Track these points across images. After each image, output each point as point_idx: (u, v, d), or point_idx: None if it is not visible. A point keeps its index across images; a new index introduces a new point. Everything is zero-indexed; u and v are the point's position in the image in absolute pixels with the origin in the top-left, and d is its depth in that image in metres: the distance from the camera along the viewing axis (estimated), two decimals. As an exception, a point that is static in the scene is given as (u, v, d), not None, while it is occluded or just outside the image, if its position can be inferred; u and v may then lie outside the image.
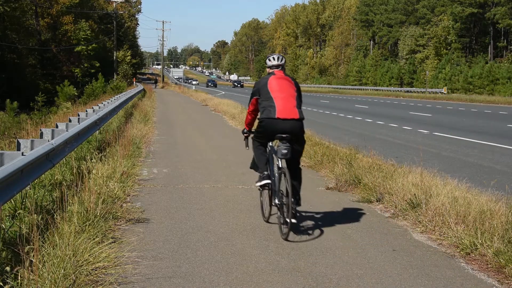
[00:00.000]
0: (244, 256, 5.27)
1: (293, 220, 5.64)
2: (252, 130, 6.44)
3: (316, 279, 4.70)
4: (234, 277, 4.71)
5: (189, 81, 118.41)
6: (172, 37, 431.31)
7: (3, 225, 5.24)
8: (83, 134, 10.15)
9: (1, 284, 4.02)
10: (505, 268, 4.85)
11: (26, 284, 3.96)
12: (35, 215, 5.17)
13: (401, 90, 69.46)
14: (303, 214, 6.93)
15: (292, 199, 5.66)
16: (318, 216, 6.86)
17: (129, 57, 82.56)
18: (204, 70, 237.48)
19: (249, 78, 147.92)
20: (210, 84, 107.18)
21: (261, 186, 6.15)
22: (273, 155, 6.09)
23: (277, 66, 6.16)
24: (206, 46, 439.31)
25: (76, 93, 33.47)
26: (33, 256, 4.12)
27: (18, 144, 7.13)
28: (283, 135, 5.78)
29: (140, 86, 53.25)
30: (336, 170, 9.09)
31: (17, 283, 4.01)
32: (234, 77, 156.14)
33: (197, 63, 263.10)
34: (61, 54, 58.28)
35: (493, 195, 6.73)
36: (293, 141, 5.86)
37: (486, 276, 4.88)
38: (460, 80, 63.54)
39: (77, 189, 6.32)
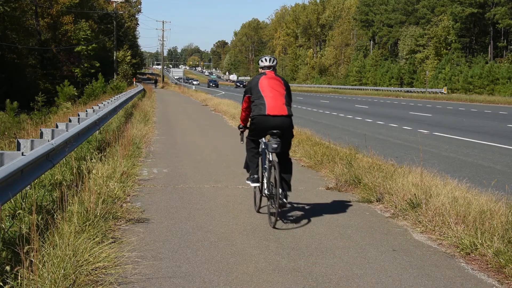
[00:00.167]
0: (244, 256, 5.27)
1: (282, 209, 6.24)
2: (247, 126, 6.91)
3: (316, 279, 4.70)
4: (234, 277, 4.71)
5: (190, 81, 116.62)
6: (172, 37, 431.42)
7: (3, 225, 5.24)
8: (83, 134, 10.15)
9: (1, 284, 4.02)
10: (505, 268, 4.85)
11: (26, 284, 3.96)
12: (35, 215, 5.18)
13: (401, 90, 69.45)
14: (303, 213, 6.93)
15: (280, 190, 6.12)
16: (318, 216, 6.85)
17: (129, 57, 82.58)
18: (204, 70, 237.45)
19: (249, 78, 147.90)
20: (211, 84, 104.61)
21: (254, 187, 6.76)
22: (265, 149, 6.54)
23: (268, 67, 6.63)
24: (206, 46, 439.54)
25: (76, 93, 33.47)
26: (33, 256, 4.12)
27: (18, 144, 7.13)
28: (274, 131, 6.29)
29: (140, 86, 53.26)
30: (336, 170, 9.09)
31: (17, 283, 4.01)
32: (233, 77, 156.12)
33: (197, 63, 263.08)
34: (61, 54, 58.30)
35: (493, 195, 6.74)
36: (283, 136, 6.35)
37: (486, 276, 4.88)
38: (460, 80, 63.54)
39: (77, 189, 6.32)
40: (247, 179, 6.77)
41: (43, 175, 7.48)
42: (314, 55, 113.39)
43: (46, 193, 7.15)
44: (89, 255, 4.74)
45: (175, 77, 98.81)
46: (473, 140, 15.89)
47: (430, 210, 6.33)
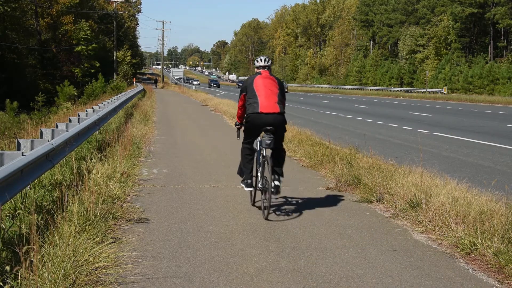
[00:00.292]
0: (244, 256, 5.27)
1: (277, 195, 6.89)
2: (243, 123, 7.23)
3: (316, 279, 4.70)
4: (234, 277, 4.71)
5: (190, 81, 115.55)
6: (172, 37, 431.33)
7: (3, 225, 5.24)
8: (83, 134, 10.15)
9: (1, 284, 4.02)
10: (505, 268, 4.85)
11: (26, 284, 3.96)
12: (35, 215, 5.18)
13: (401, 90, 69.44)
14: (303, 213, 6.93)
15: (273, 176, 6.59)
16: (317, 216, 6.85)
17: (129, 57, 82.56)
18: (203, 70, 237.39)
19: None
20: (213, 84, 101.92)
21: (249, 191, 7.19)
22: (260, 146, 6.90)
23: (263, 67, 7.00)
24: (206, 46, 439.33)
25: (76, 93, 33.48)
26: (33, 256, 4.12)
27: (18, 144, 7.12)
28: (267, 128, 6.66)
29: (140, 86, 53.25)
30: (336, 170, 9.09)
31: (17, 283, 4.01)
32: (233, 76, 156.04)
33: (197, 63, 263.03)
34: (61, 54, 58.29)
35: (493, 195, 6.74)
36: (276, 132, 6.71)
37: (486, 276, 4.88)
38: (460, 80, 63.53)
39: (77, 189, 6.32)
40: (241, 183, 7.10)
41: (43, 175, 7.47)
42: (314, 55, 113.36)
43: (46, 193, 7.15)
44: (89, 255, 4.74)
45: (175, 77, 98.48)
46: (473, 140, 15.89)
47: (430, 210, 6.33)
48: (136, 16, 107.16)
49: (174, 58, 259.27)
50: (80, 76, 57.83)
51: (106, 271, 4.66)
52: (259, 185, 6.82)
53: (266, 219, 6.57)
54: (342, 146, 11.95)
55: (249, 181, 6.99)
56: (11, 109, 22.44)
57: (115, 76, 62.93)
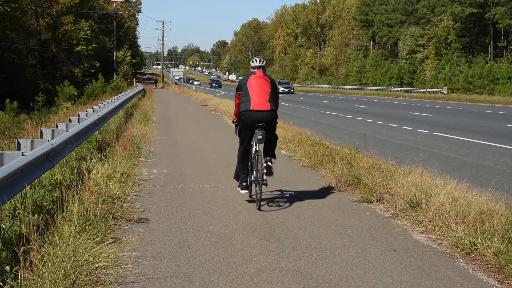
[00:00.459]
0: (244, 256, 5.27)
1: (269, 175, 7.31)
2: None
3: (316, 279, 4.70)
4: (234, 277, 4.71)
5: (191, 81, 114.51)
6: (172, 37, 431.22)
7: (3, 225, 5.24)
8: (83, 134, 10.15)
9: (1, 284, 4.02)
10: (505, 268, 4.85)
11: (26, 284, 3.96)
12: (36, 215, 5.18)
13: (401, 90, 69.40)
14: (303, 213, 6.93)
15: (264, 177, 7.07)
16: (317, 216, 6.85)
17: (129, 57, 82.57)
18: (203, 70, 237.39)
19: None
20: (214, 84, 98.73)
21: (243, 194, 7.58)
22: (253, 141, 7.34)
23: (258, 67, 7.49)
24: (206, 46, 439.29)
25: (76, 93, 33.49)
26: (33, 256, 4.12)
27: (18, 144, 7.12)
28: (259, 124, 7.15)
29: (140, 86, 53.25)
30: (336, 170, 9.09)
31: (17, 283, 4.01)
32: (232, 76, 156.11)
33: (197, 63, 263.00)
34: (61, 54, 58.28)
35: (493, 195, 6.74)
36: (268, 128, 7.22)
37: (486, 276, 4.88)
38: (460, 80, 63.51)
39: (77, 189, 6.32)
40: (238, 187, 7.63)
41: (43, 175, 7.47)
42: (314, 55, 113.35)
43: (46, 193, 7.15)
44: (89, 255, 4.74)
45: (176, 78, 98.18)
46: (473, 140, 15.89)
47: (430, 210, 6.33)
48: (136, 16, 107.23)
49: (174, 58, 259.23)
50: (80, 76, 57.83)
51: (106, 271, 4.66)
52: (252, 177, 7.25)
53: (259, 209, 7.03)
54: (342, 146, 11.95)
55: (244, 184, 7.45)
56: (11, 109, 22.45)
57: (115, 76, 62.94)
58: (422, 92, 63.66)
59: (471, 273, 4.94)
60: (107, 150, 10.18)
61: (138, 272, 4.74)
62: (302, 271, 4.89)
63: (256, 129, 7.19)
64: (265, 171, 7.09)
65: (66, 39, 60.54)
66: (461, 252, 5.42)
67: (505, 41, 69.17)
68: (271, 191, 8.24)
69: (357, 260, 5.20)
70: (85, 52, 59.79)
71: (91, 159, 8.15)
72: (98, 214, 5.86)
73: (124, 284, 4.47)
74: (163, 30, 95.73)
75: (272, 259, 5.18)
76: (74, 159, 8.02)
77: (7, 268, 3.90)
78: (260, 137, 7.11)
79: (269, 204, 7.44)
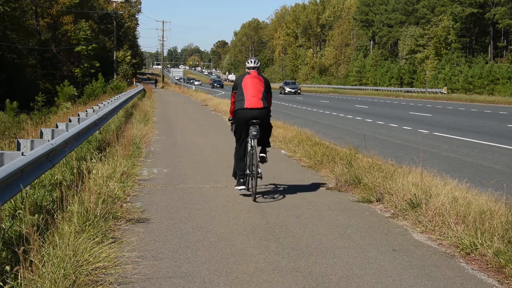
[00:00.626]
0: (244, 256, 5.27)
1: (263, 162, 7.98)
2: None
3: (316, 279, 4.70)
4: (234, 277, 4.71)
5: (191, 81, 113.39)
6: (172, 37, 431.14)
7: (3, 225, 5.24)
8: (83, 134, 10.15)
9: (1, 284, 4.02)
10: (505, 268, 4.85)
11: (26, 284, 3.96)
12: (36, 215, 5.17)
13: (401, 90, 69.37)
14: (303, 213, 6.94)
15: (259, 170, 7.62)
16: (317, 216, 6.85)
17: (129, 57, 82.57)
18: (203, 70, 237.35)
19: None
20: (216, 85, 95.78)
21: (239, 190, 7.79)
22: (248, 138, 7.76)
23: (253, 68, 7.93)
24: (206, 46, 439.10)
25: (76, 93, 33.49)
26: (33, 256, 4.12)
27: (18, 144, 7.12)
28: (253, 121, 7.61)
29: (140, 86, 53.26)
30: (336, 170, 9.09)
31: (17, 283, 4.01)
32: (232, 77, 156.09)
33: (197, 63, 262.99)
34: (61, 54, 58.28)
35: (493, 195, 6.74)
36: (261, 125, 7.69)
37: (486, 276, 4.88)
38: (460, 80, 63.48)
39: (77, 189, 6.32)
40: (235, 186, 7.86)
41: (43, 175, 7.47)
42: (314, 55, 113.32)
43: (46, 193, 7.15)
44: (89, 255, 4.74)
45: (176, 78, 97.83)
46: (473, 140, 15.89)
47: (430, 210, 6.33)
48: (136, 16, 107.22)
49: (174, 58, 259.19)
50: (80, 76, 57.83)
51: (106, 271, 4.66)
52: (248, 171, 7.70)
53: (254, 201, 7.51)
54: (342, 146, 11.95)
55: (241, 180, 7.77)
56: (11, 109, 22.44)
57: (115, 76, 62.93)
58: (422, 92, 63.65)
59: (471, 273, 4.94)
60: (107, 150, 10.18)
61: (138, 272, 4.74)
62: (302, 271, 4.89)
63: (250, 125, 7.63)
64: (259, 158, 7.75)
65: (66, 39, 60.54)
66: (461, 252, 5.42)
67: (505, 41, 69.16)
68: (270, 191, 8.24)
69: (357, 260, 5.20)
70: (85, 52, 59.79)
71: (91, 159, 8.15)
72: (98, 214, 5.86)
73: (124, 284, 4.47)
74: (163, 30, 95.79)
75: (272, 259, 5.18)
76: (74, 159, 8.02)
77: (7, 268, 3.90)
78: (255, 133, 7.58)
79: (270, 206, 7.44)
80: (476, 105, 41.08)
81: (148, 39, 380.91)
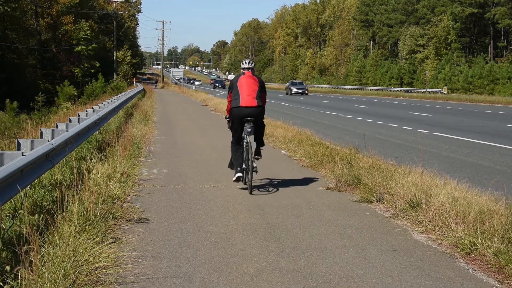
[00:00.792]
0: (244, 256, 5.27)
1: (258, 158, 8.57)
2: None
3: (316, 279, 4.70)
4: (234, 277, 4.71)
5: (192, 81, 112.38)
6: (172, 37, 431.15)
7: (3, 225, 5.24)
8: (83, 134, 10.15)
9: (1, 284, 4.02)
10: (505, 268, 4.85)
11: (26, 284, 3.96)
12: (36, 215, 5.18)
13: (401, 90, 69.34)
14: (303, 213, 6.93)
15: (254, 165, 8.15)
16: (317, 216, 6.85)
17: (129, 57, 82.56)
18: (203, 70, 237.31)
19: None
20: (218, 85, 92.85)
21: (236, 178, 8.17)
22: (243, 134, 8.21)
23: (247, 69, 8.43)
24: (206, 46, 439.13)
25: (76, 93, 33.50)
26: (33, 256, 4.12)
27: (18, 144, 7.12)
28: (248, 118, 8.08)
29: (140, 86, 53.26)
30: (336, 170, 9.09)
31: (17, 283, 4.01)
32: (231, 76, 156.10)
33: (197, 63, 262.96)
34: (61, 54, 58.28)
35: (493, 195, 6.73)
36: (255, 122, 8.16)
37: (486, 276, 4.88)
38: (460, 80, 63.47)
39: (77, 189, 6.32)
40: (233, 178, 8.25)
41: (43, 175, 7.47)
42: (314, 55, 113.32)
43: (46, 193, 7.15)
44: (89, 255, 4.74)
45: (176, 78, 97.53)
46: (473, 140, 15.89)
47: (430, 210, 6.33)
48: (136, 16, 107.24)
49: (174, 58, 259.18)
50: (80, 76, 57.83)
51: (106, 271, 4.66)
52: (244, 166, 8.14)
53: (250, 193, 7.95)
54: (342, 146, 11.95)
55: (238, 168, 8.17)
56: (11, 109, 22.44)
57: (115, 76, 62.93)
58: (422, 92, 63.64)
59: (471, 273, 4.94)
60: (107, 150, 10.18)
61: (138, 272, 4.74)
62: (302, 271, 4.89)
63: (245, 123, 8.11)
64: (254, 155, 8.29)
65: (66, 39, 60.54)
66: (461, 252, 5.42)
67: (505, 41, 69.16)
68: (270, 191, 8.25)
69: (357, 260, 5.20)
70: (85, 52, 59.79)
71: (91, 159, 8.15)
72: (98, 214, 5.86)
73: (124, 284, 4.47)
74: (163, 30, 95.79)
75: (272, 259, 5.18)
76: (74, 159, 8.01)
77: (7, 268, 3.90)
78: (249, 129, 8.08)
79: (270, 206, 7.44)
80: (476, 105, 41.08)
81: (148, 39, 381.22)
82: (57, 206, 5.84)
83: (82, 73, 58.17)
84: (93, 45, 60.61)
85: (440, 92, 60.11)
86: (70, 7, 59.61)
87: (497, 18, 63.15)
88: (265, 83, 8.75)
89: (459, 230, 5.73)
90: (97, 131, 12.86)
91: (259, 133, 8.52)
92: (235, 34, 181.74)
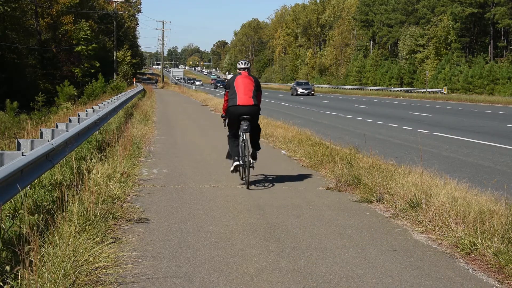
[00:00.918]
0: (244, 256, 5.27)
1: (254, 160, 8.75)
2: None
3: (316, 279, 4.71)
4: (234, 277, 4.71)
5: (192, 81, 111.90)
6: (172, 37, 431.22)
7: (3, 225, 5.24)
8: (83, 134, 10.15)
9: (1, 284, 4.02)
10: (505, 268, 4.85)
11: (26, 284, 3.96)
12: (36, 215, 5.18)
13: (401, 90, 69.33)
14: (303, 213, 6.93)
15: (251, 160, 8.48)
16: (317, 216, 6.85)
17: (129, 57, 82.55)
18: (203, 70, 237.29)
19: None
20: (219, 85, 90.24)
21: (234, 168, 8.59)
22: (240, 132, 8.55)
23: (244, 69, 8.73)
24: (206, 46, 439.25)
25: (76, 93, 33.49)
26: (33, 256, 4.12)
27: (18, 144, 7.12)
28: (244, 116, 8.40)
29: (140, 86, 53.27)
30: (336, 170, 9.09)
31: (17, 283, 4.01)
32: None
33: (197, 63, 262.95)
34: (61, 54, 58.27)
35: (493, 195, 6.73)
36: (252, 120, 8.48)
37: (486, 276, 4.88)
38: (460, 80, 63.46)
39: (77, 189, 6.32)
40: (231, 168, 8.62)
41: (43, 175, 7.47)
42: (314, 55, 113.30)
43: (46, 193, 7.15)
44: (89, 255, 4.74)
45: (176, 78, 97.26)
46: (473, 140, 15.89)
47: (430, 210, 6.33)
48: (136, 16, 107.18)
49: (174, 58, 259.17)
50: (80, 76, 57.83)
51: (106, 271, 4.66)
52: (241, 162, 8.48)
53: (248, 188, 8.29)
54: (342, 146, 11.95)
55: (236, 157, 8.55)
56: (11, 109, 22.43)
57: (115, 76, 62.92)
58: (422, 92, 63.63)
59: (471, 273, 4.94)
60: (107, 150, 10.18)
61: (138, 272, 4.74)
62: (302, 271, 4.89)
63: (241, 121, 8.41)
64: (251, 155, 8.57)
65: (66, 39, 60.53)
66: (461, 252, 5.42)
67: (505, 41, 69.15)
68: (270, 190, 8.24)
69: (357, 260, 5.20)
70: (85, 52, 59.79)
71: (91, 159, 8.14)
72: (98, 214, 5.86)
73: (124, 284, 4.47)
74: (163, 30, 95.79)
75: (272, 259, 5.18)
76: (74, 159, 8.01)
77: (7, 268, 3.90)
78: (246, 127, 8.40)
79: (270, 206, 7.44)
80: (476, 105, 41.08)
81: (148, 39, 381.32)
82: (57, 206, 5.84)
83: (82, 73, 58.16)
84: (93, 45, 60.61)
85: (440, 92, 60.10)
86: (70, 7, 59.60)
87: (497, 18, 63.14)
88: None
89: (459, 230, 5.73)
90: (97, 131, 12.86)
91: (255, 136, 8.76)
92: (235, 34, 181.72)
